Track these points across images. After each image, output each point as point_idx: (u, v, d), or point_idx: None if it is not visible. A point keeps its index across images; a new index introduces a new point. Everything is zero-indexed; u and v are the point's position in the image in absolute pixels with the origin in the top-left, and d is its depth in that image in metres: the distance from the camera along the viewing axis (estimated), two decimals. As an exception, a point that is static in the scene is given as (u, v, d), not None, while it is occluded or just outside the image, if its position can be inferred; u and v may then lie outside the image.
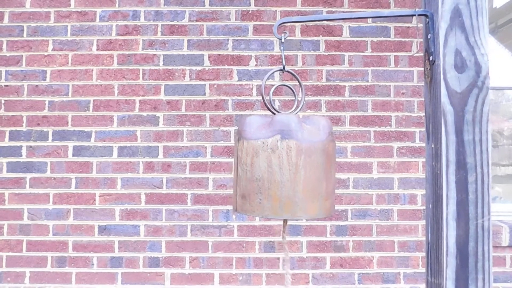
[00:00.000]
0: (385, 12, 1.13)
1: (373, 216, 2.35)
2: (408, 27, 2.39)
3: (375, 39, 2.39)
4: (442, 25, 0.99)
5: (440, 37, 0.99)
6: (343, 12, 2.35)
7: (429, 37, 1.03)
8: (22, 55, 2.37)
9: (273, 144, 0.91)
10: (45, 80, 2.37)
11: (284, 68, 1.13)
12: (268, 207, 0.89)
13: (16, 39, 2.37)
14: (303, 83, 2.36)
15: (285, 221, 0.97)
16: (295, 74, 1.12)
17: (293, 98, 1.10)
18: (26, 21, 2.39)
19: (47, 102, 2.37)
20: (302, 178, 0.90)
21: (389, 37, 2.39)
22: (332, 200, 0.95)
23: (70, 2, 2.40)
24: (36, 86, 2.37)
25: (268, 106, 1.04)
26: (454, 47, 0.97)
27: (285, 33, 1.08)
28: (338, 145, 2.36)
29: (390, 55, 2.39)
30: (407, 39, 2.39)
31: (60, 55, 2.38)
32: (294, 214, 0.88)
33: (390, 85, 2.38)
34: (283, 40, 1.12)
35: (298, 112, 1.08)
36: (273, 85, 1.14)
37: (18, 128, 2.35)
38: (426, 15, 1.05)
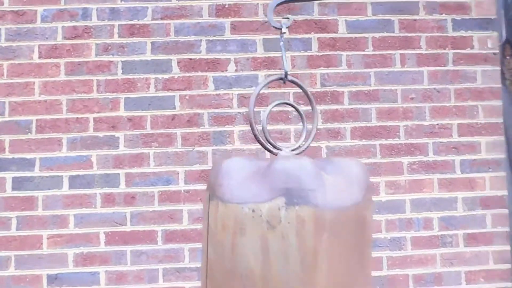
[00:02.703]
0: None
1: (383, 246, 1.96)
2: (415, 20, 2.02)
3: (376, 35, 2.01)
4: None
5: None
6: None
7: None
8: None
9: (272, 214, 0.50)
10: (-26, 97, 1.92)
11: (286, 75, 0.73)
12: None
13: None
14: (293, 90, 1.96)
15: None
16: (302, 85, 0.72)
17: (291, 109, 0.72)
18: None
19: (-22, 124, 1.91)
20: (324, 275, 0.49)
21: (393, 32, 2.02)
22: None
23: (4, 0, 1.95)
24: (-37, 104, 1.91)
25: (261, 140, 0.64)
26: None
27: (288, 18, 0.69)
28: (338, 163, 1.96)
29: (395, 54, 2.01)
30: (414, 34, 2.01)
31: (-7, 65, 1.93)
32: None
33: (396, 89, 2.00)
34: (284, 30, 0.72)
35: (308, 146, 0.68)
36: (264, 102, 0.74)
37: None
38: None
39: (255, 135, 0.63)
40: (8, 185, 1.90)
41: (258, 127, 0.64)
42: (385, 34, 2.02)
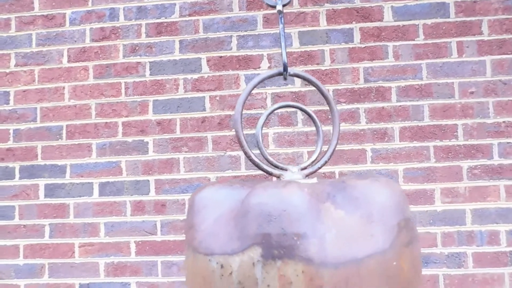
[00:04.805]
0: None
1: (439, 263, 1.72)
2: (475, 1, 1.75)
3: (428, 22, 1.77)
4: None
5: None
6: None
7: None
8: (-20, 75, 1.92)
9: (244, 273, 0.34)
10: (8, 103, 1.91)
11: (286, 68, 0.56)
12: None
13: (-34, 55, 1.93)
14: (333, 87, 1.77)
15: None
16: (311, 79, 0.55)
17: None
18: (-17, 32, 1.94)
19: (11, 131, 1.90)
20: None
21: (448, 17, 1.76)
22: None
23: (34, 5, 1.93)
24: (-2, 111, 1.91)
25: (254, 159, 0.48)
26: None
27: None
28: (386, 167, 1.74)
29: (451, 42, 1.75)
30: (474, 18, 1.75)
31: (25, 71, 1.91)
32: None
33: (453, 83, 1.75)
34: (279, 8, 0.56)
35: (325, 162, 0.51)
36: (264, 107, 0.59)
37: (-22, 165, 1.90)
38: None
39: (245, 152, 0.47)
40: (41, 192, 1.87)
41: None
42: (439, 20, 1.76)
